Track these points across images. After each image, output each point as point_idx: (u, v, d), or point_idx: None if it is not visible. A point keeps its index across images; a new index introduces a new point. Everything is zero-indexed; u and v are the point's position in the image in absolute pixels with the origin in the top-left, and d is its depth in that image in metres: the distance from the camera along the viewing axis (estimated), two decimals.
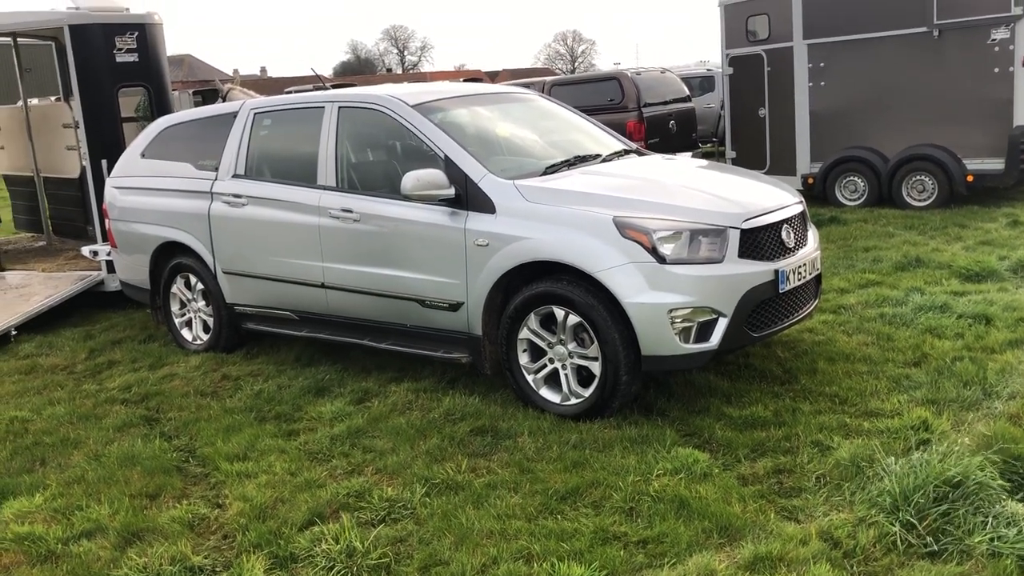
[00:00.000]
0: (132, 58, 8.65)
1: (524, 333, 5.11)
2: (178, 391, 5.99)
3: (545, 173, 5.43)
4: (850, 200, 11.48)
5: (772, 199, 5.24)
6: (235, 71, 42.77)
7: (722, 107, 18.36)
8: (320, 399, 5.61)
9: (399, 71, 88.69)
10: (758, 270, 4.85)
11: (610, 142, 6.31)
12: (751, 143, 12.37)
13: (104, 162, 8.47)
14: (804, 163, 11.84)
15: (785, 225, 5.13)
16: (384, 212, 5.58)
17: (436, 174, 5.23)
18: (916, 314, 6.35)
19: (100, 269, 8.65)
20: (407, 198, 5.30)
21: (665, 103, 13.75)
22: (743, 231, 4.84)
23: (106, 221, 7.53)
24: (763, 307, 4.93)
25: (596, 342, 4.82)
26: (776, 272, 4.91)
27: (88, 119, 8.45)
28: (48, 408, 5.85)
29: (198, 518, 4.15)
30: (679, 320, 4.67)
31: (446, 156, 5.36)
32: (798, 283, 5.11)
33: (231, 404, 5.65)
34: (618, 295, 4.69)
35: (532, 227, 4.99)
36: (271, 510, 4.14)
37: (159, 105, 8.93)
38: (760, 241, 4.93)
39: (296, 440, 4.99)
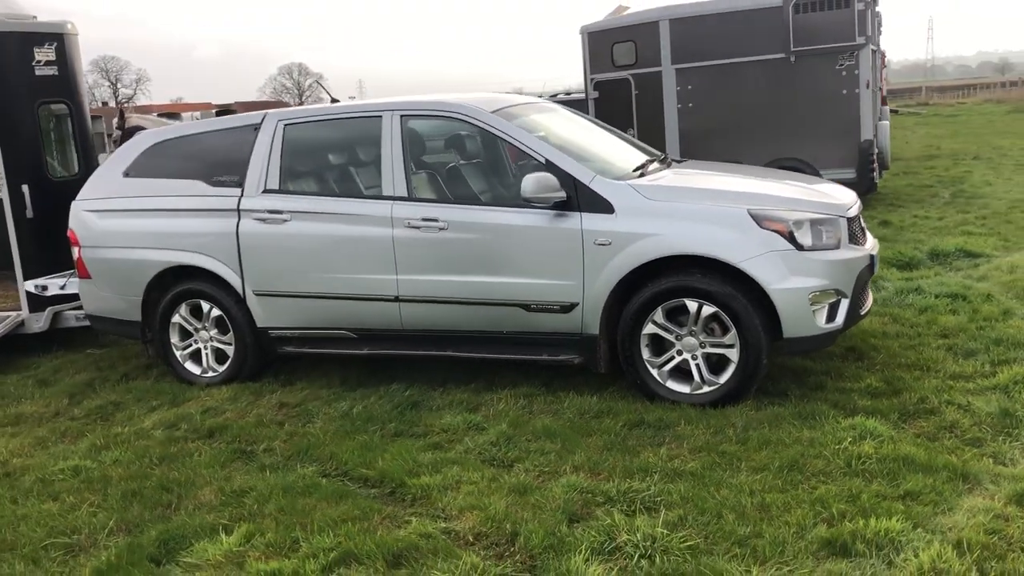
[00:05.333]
0: (52, 71, 7.79)
1: (649, 328, 5.26)
2: (247, 423, 5.50)
3: (639, 174, 5.62)
4: None
5: (847, 193, 5.78)
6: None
7: None
8: (429, 413, 5.41)
9: (113, 103, 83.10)
10: (862, 255, 5.34)
11: (646, 149, 6.61)
12: None
13: (26, 187, 7.56)
14: None
15: (860, 216, 5.68)
16: (479, 219, 5.51)
17: (549, 177, 5.27)
18: (900, 297, 7.17)
19: (20, 308, 7.68)
20: (527, 200, 5.29)
21: None
22: (848, 219, 5.33)
23: (74, 249, 6.70)
24: (862, 289, 5.43)
25: (735, 329, 5.08)
26: (871, 257, 5.43)
27: (6, 140, 7.49)
28: (104, 454, 5.18)
29: (444, 532, 3.92)
30: (815, 303, 5.05)
31: (547, 160, 5.41)
32: (877, 268, 5.67)
33: (331, 427, 5.31)
34: (763, 282, 4.99)
35: (660, 224, 5.16)
36: (518, 514, 4.00)
37: (79, 124, 8.09)
38: (854, 230, 5.44)
39: (452, 451, 4.81)
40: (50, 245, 7.64)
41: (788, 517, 3.81)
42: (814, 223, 5.14)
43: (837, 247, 5.19)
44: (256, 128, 6.21)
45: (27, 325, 7.69)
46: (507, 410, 5.34)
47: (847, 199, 5.57)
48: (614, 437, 4.81)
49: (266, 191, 6.07)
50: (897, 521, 3.67)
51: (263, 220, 6.03)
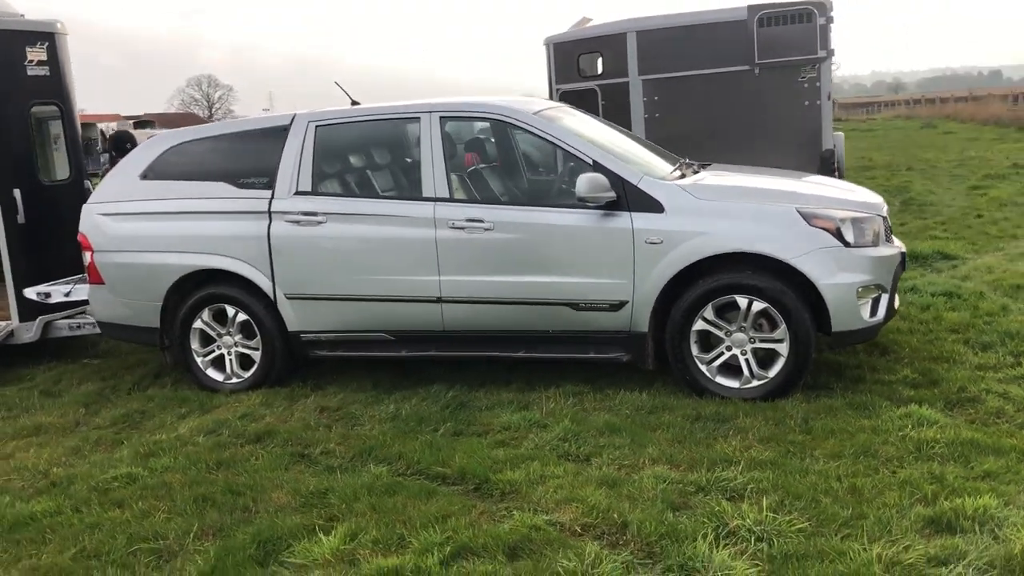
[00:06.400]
0: (43, 71, 7.54)
1: (699, 324, 5.37)
2: (293, 427, 5.40)
3: (680, 175, 5.75)
4: None
5: (873, 193, 6.02)
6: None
7: None
8: (481, 413, 5.41)
9: None
10: (895, 252, 5.57)
11: (663, 152, 6.75)
12: None
13: (17, 192, 7.28)
14: None
15: (888, 216, 5.93)
16: (527, 219, 5.56)
17: (601, 178, 5.35)
18: (899, 295, 7.46)
19: (9, 318, 7.38)
20: (581, 200, 5.35)
21: None
22: (883, 218, 5.55)
23: (86, 254, 6.47)
24: (895, 285, 5.65)
25: (785, 324, 5.23)
26: (902, 254, 5.67)
27: None
28: (152, 461, 5.02)
29: (550, 524, 3.94)
30: (860, 298, 5.24)
31: (595, 161, 5.50)
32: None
33: (384, 428, 5.25)
34: (813, 278, 5.15)
35: (711, 223, 5.29)
36: (619, 504, 4.03)
37: (70, 127, 7.83)
38: (886, 228, 5.67)
39: (522, 448, 4.83)
40: (42, 251, 7.38)
41: (884, 499, 3.95)
42: (856, 221, 5.34)
43: (876, 244, 5.39)
44: (285, 129, 6.12)
45: (17, 335, 7.40)
46: (561, 408, 5.38)
47: (877, 199, 5.80)
48: (679, 431, 4.90)
49: (298, 193, 5.99)
50: (990, 499, 3.85)
51: (297, 222, 5.95)
